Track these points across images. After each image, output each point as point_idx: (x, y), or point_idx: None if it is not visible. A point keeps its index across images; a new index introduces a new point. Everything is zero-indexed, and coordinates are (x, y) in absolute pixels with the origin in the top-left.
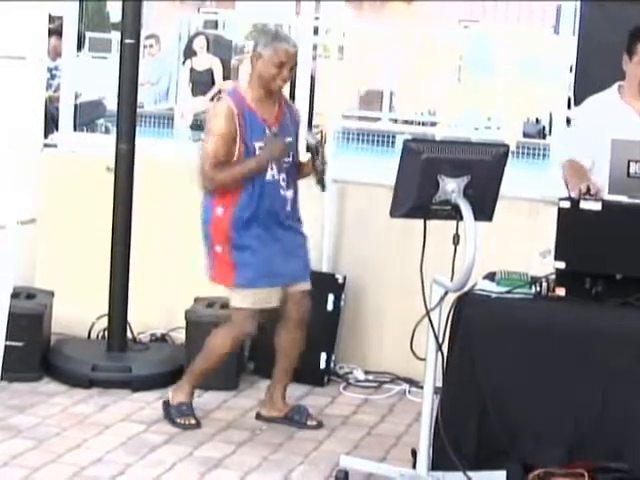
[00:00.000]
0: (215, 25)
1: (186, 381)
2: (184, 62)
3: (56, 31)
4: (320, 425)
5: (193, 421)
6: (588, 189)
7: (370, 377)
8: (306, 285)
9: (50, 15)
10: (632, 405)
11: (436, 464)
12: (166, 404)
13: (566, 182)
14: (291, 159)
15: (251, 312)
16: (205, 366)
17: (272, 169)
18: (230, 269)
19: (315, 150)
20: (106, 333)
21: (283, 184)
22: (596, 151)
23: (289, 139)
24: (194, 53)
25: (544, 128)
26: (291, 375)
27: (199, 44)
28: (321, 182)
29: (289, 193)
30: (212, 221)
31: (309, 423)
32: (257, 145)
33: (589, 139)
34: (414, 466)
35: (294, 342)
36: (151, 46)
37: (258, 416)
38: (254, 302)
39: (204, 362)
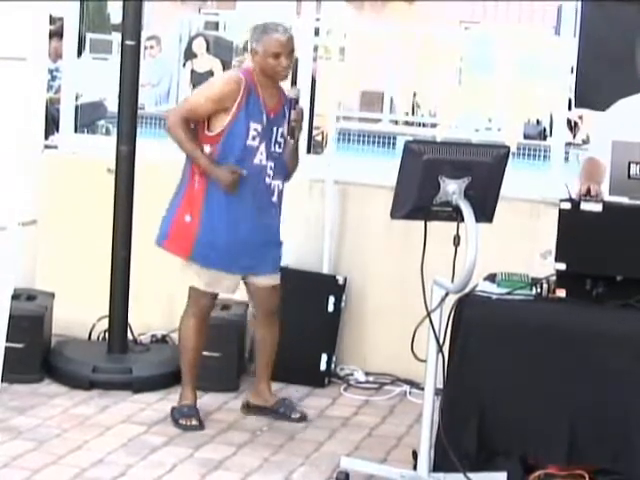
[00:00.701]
0: (216, 26)
1: (183, 383)
2: (184, 64)
3: (57, 32)
4: (304, 418)
5: (195, 422)
6: (588, 190)
7: (371, 378)
8: (273, 280)
9: (51, 16)
10: (632, 406)
11: (437, 465)
12: (172, 409)
13: (582, 181)
14: (281, 150)
15: (203, 292)
16: (186, 358)
17: (261, 154)
18: (191, 242)
19: (294, 103)
20: (107, 334)
21: (270, 172)
22: None
23: (282, 129)
24: (194, 55)
25: (545, 129)
26: (271, 368)
27: (198, 46)
28: (292, 134)
29: (275, 182)
30: (187, 188)
31: (293, 416)
32: (253, 126)
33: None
34: (415, 467)
35: (267, 336)
36: (152, 47)
37: (246, 405)
38: (207, 284)
39: (183, 355)
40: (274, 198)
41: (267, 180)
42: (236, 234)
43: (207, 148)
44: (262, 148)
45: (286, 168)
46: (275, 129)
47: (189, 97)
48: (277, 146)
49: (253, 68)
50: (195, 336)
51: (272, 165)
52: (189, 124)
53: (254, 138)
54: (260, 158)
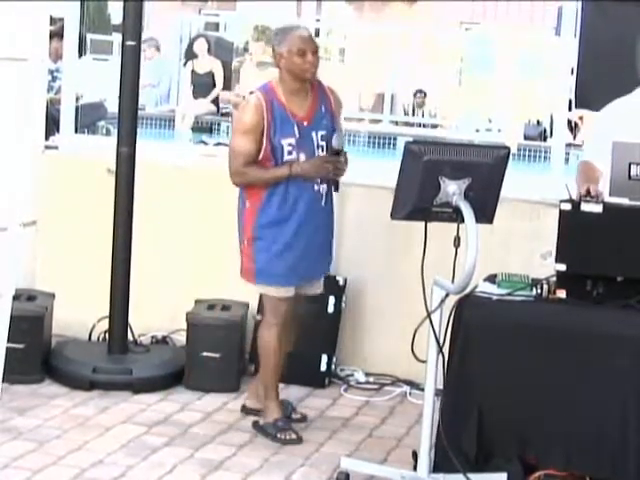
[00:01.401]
0: (216, 27)
1: (268, 398)
2: (185, 64)
3: (57, 33)
4: (304, 419)
5: (294, 436)
6: (588, 191)
7: (371, 379)
8: (318, 288)
9: (51, 17)
10: (633, 407)
11: (437, 466)
12: (258, 425)
13: (578, 184)
14: (324, 153)
15: (278, 299)
16: (268, 368)
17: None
18: (252, 265)
19: (338, 152)
20: (107, 335)
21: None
22: None
23: (322, 132)
24: (195, 55)
25: (545, 130)
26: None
27: (200, 47)
28: (336, 184)
29: (323, 187)
30: (244, 215)
31: (293, 416)
32: (284, 142)
33: (608, 143)
34: (415, 468)
35: (287, 341)
36: (144, 50)
37: (243, 408)
38: (275, 292)
39: (265, 364)
40: (322, 203)
41: (315, 187)
42: (293, 249)
43: None
44: (302, 158)
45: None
46: (314, 134)
47: (230, 147)
48: (320, 150)
49: (277, 78)
50: (278, 347)
51: None
52: (251, 165)
53: (290, 153)
54: None
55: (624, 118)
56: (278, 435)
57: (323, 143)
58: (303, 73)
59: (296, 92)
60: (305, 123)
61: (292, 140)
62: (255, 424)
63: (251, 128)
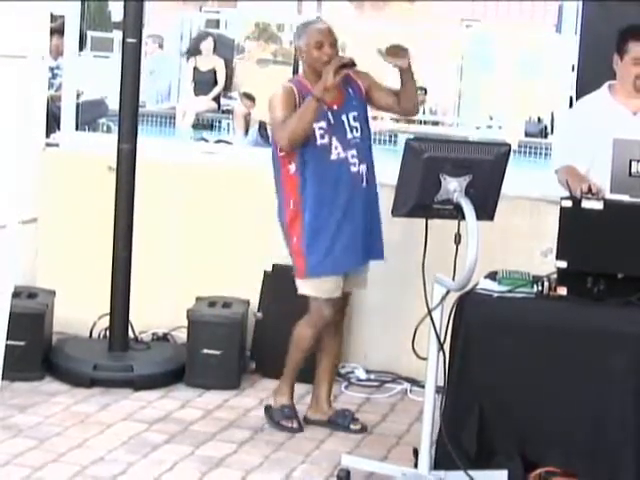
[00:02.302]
0: (217, 24)
1: (283, 382)
2: (188, 59)
3: (58, 30)
4: (364, 429)
5: (296, 425)
6: (590, 189)
7: (372, 376)
8: (355, 285)
9: (52, 14)
10: (633, 405)
11: (438, 463)
12: (268, 408)
13: (566, 184)
14: (359, 134)
15: (324, 300)
16: (294, 360)
17: (336, 148)
18: (301, 259)
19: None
20: (108, 332)
21: (353, 160)
22: (593, 152)
23: (354, 113)
24: (199, 52)
25: (546, 127)
26: (334, 375)
27: (207, 46)
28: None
29: (362, 168)
30: (286, 211)
31: (352, 427)
32: (317, 126)
33: (584, 142)
34: (416, 465)
35: (335, 343)
36: (146, 44)
37: (305, 419)
38: (323, 291)
39: (292, 357)
40: (364, 184)
41: (353, 169)
42: (339, 235)
43: (292, 167)
44: (335, 142)
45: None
46: (345, 117)
47: (272, 123)
48: (354, 131)
49: (302, 73)
50: (311, 345)
51: (354, 153)
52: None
53: (322, 136)
54: (337, 152)
55: (595, 115)
56: (282, 422)
57: (356, 124)
58: (321, 65)
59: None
60: (335, 107)
61: (324, 124)
62: (266, 407)
63: (286, 103)
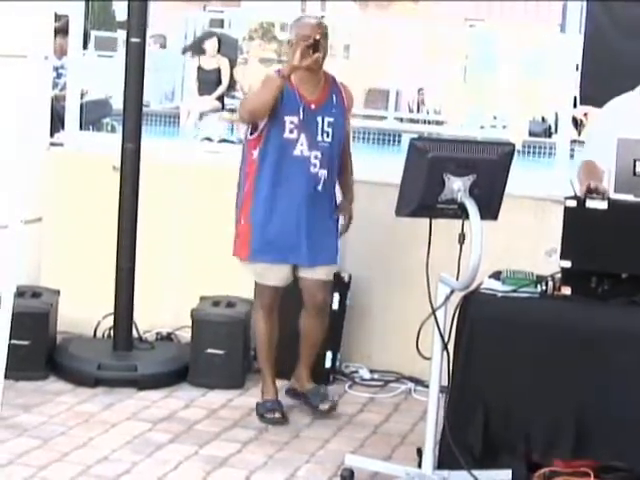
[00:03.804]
0: (221, 24)
1: (263, 377)
2: (192, 55)
3: (62, 30)
4: (333, 409)
5: (278, 415)
6: (596, 188)
7: (376, 376)
8: (324, 274)
9: (56, 13)
10: (636, 404)
11: (441, 463)
12: (256, 405)
13: (580, 182)
14: (330, 139)
15: (263, 286)
16: (262, 351)
17: (302, 145)
18: (247, 243)
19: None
20: (112, 332)
21: (315, 161)
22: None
23: (330, 119)
24: (203, 52)
25: (550, 127)
26: (312, 358)
27: (211, 46)
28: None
29: (322, 171)
30: (242, 193)
31: (320, 407)
32: (288, 119)
33: (610, 141)
34: (420, 465)
35: (311, 327)
36: (148, 45)
37: (287, 390)
38: (259, 276)
39: (258, 348)
40: (319, 187)
41: (312, 170)
42: (284, 226)
43: (255, 152)
44: (302, 139)
45: (338, 166)
46: (320, 119)
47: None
48: (325, 135)
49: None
50: (265, 328)
51: (317, 154)
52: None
53: (291, 131)
54: (301, 149)
55: (625, 116)
56: (265, 415)
57: (329, 129)
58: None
59: (307, 79)
60: (312, 106)
61: (295, 119)
62: (257, 404)
63: (262, 84)
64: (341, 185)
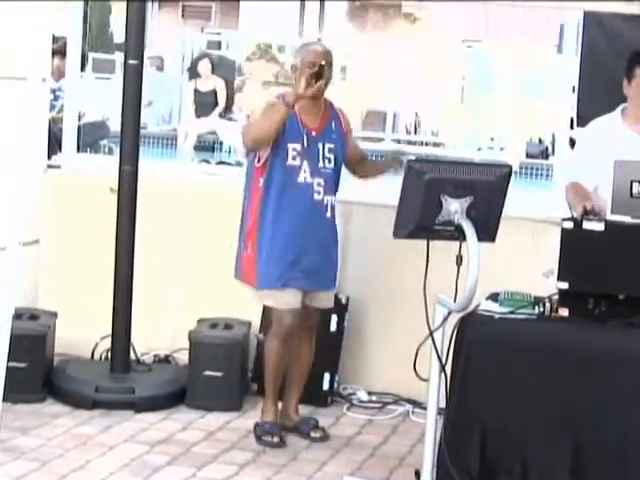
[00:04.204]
0: (218, 45)
1: (266, 400)
2: (189, 78)
3: (59, 51)
4: (325, 438)
5: (276, 439)
6: (592, 209)
7: (373, 398)
8: (327, 301)
9: (53, 35)
10: (633, 424)
11: None
12: (254, 426)
13: (569, 204)
14: (332, 165)
15: (283, 311)
16: (270, 376)
17: (304, 172)
18: (253, 270)
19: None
20: (109, 354)
21: (319, 189)
22: (600, 173)
23: (330, 145)
24: (199, 75)
25: (547, 148)
26: (302, 387)
27: (204, 68)
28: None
29: (327, 198)
30: (247, 220)
31: (312, 435)
32: (291, 147)
33: (592, 161)
34: None
35: (302, 353)
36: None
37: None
38: (278, 303)
39: (266, 372)
40: (327, 214)
41: (316, 197)
42: (291, 252)
43: (261, 180)
44: (305, 166)
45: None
46: (322, 145)
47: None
48: (327, 162)
49: (291, 90)
50: (281, 354)
51: (320, 182)
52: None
53: (294, 158)
54: (304, 176)
55: (606, 136)
56: (262, 437)
57: (330, 156)
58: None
59: (309, 106)
60: (314, 134)
61: (298, 146)
62: (254, 425)
63: (264, 112)
64: (366, 168)
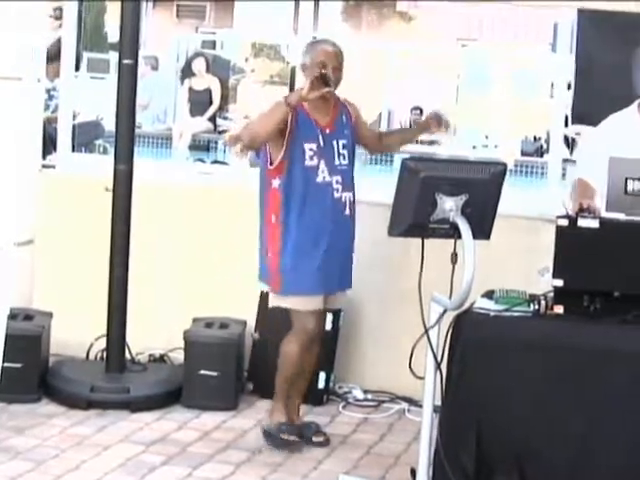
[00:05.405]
0: (213, 45)
1: (277, 402)
2: (182, 82)
3: (54, 51)
4: (327, 442)
5: (295, 438)
6: (589, 207)
7: (369, 396)
8: (337, 304)
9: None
10: (629, 422)
11: None
12: (265, 431)
13: (563, 203)
14: (347, 162)
15: (306, 312)
16: (283, 377)
17: (322, 171)
18: (277, 275)
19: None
20: (104, 354)
21: (337, 186)
22: None
23: (343, 141)
24: (193, 74)
25: (542, 146)
26: (305, 388)
27: (198, 66)
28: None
29: (346, 195)
30: (267, 228)
31: (315, 439)
32: (307, 147)
33: (604, 159)
34: None
35: (307, 356)
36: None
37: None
38: (304, 304)
39: (283, 375)
40: (347, 211)
41: (335, 195)
42: (316, 255)
43: (276, 182)
44: (322, 165)
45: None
46: (335, 143)
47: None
48: (341, 158)
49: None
50: (301, 356)
51: (338, 179)
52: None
53: (312, 158)
54: (323, 176)
55: (619, 134)
56: (282, 436)
57: (344, 152)
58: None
59: (320, 105)
60: (328, 131)
61: (314, 146)
62: (264, 431)
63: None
64: (394, 140)
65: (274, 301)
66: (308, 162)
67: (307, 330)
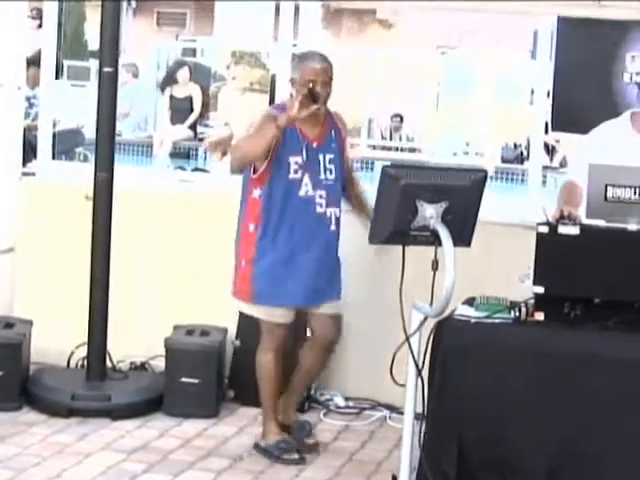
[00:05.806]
0: (193, 53)
1: (265, 421)
2: (163, 90)
3: (34, 59)
4: (317, 445)
5: (296, 456)
6: (569, 214)
7: (350, 403)
8: (333, 309)
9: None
10: (612, 428)
11: None
12: (259, 447)
13: (560, 203)
14: (333, 177)
15: (272, 324)
16: (266, 391)
17: (306, 185)
18: (248, 284)
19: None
20: (85, 362)
21: (321, 201)
22: None
23: (330, 155)
24: (175, 81)
25: (522, 153)
26: (305, 391)
27: (183, 76)
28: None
29: (332, 210)
30: (242, 233)
31: (306, 441)
32: (292, 160)
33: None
34: None
35: (316, 361)
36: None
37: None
38: (271, 316)
39: (262, 388)
40: (332, 227)
41: (319, 209)
42: (292, 268)
43: (257, 192)
44: (306, 179)
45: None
46: (322, 157)
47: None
48: (328, 173)
49: (288, 101)
50: (276, 370)
51: (322, 194)
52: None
53: (296, 171)
54: (306, 190)
55: (610, 142)
56: (284, 456)
57: (331, 167)
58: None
59: (309, 118)
60: (314, 144)
61: (299, 159)
62: (256, 445)
63: (259, 127)
64: (349, 198)
65: (243, 308)
66: (292, 175)
67: (274, 340)
